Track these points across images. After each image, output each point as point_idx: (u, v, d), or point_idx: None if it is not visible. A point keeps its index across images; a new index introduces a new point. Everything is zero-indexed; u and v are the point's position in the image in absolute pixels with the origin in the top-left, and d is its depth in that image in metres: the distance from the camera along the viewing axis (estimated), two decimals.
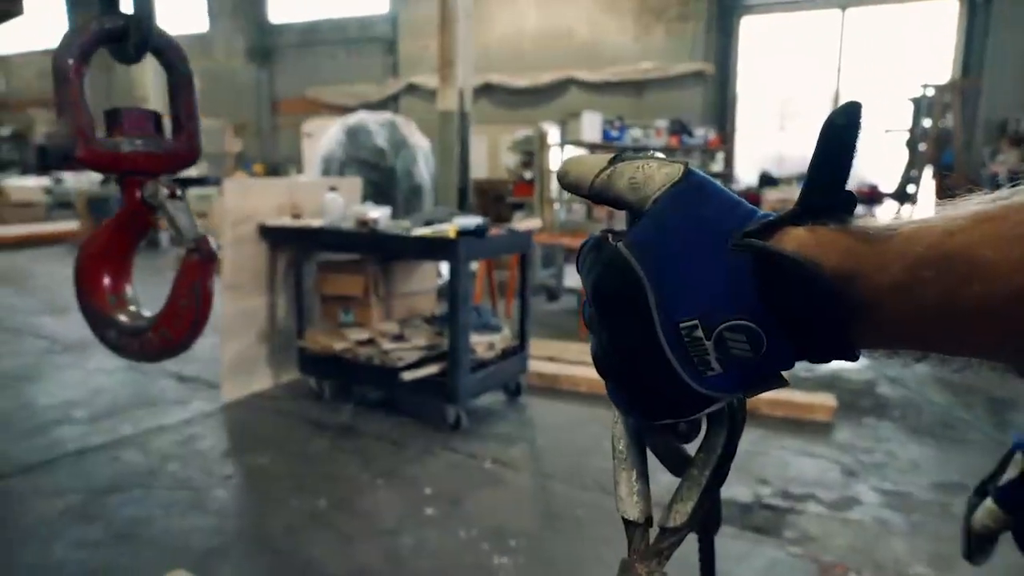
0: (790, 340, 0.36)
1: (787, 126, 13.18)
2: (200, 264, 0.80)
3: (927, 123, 9.14)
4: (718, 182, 0.41)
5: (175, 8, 17.98)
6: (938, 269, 0.32)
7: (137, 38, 0.76)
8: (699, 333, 0.37)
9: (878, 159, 11.67)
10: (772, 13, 12.11)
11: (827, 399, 3.95)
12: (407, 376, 3.57)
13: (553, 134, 7.93)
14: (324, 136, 8.46)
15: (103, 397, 4.11)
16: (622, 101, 12.65)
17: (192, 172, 14.27)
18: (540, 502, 2.99)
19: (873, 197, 10.21)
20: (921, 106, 9.22)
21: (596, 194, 0.44)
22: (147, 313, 0.81)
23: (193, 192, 12.58)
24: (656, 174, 0.41)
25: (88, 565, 2.39)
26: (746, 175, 11.81)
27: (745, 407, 0.48)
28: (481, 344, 3.81)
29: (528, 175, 8.49)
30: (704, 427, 0.47)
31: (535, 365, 4.42)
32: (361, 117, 8.24)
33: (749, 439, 3.58)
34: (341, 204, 3.91)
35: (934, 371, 4.34)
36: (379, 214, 3.80)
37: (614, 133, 7.21)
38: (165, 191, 0.79)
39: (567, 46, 13.56)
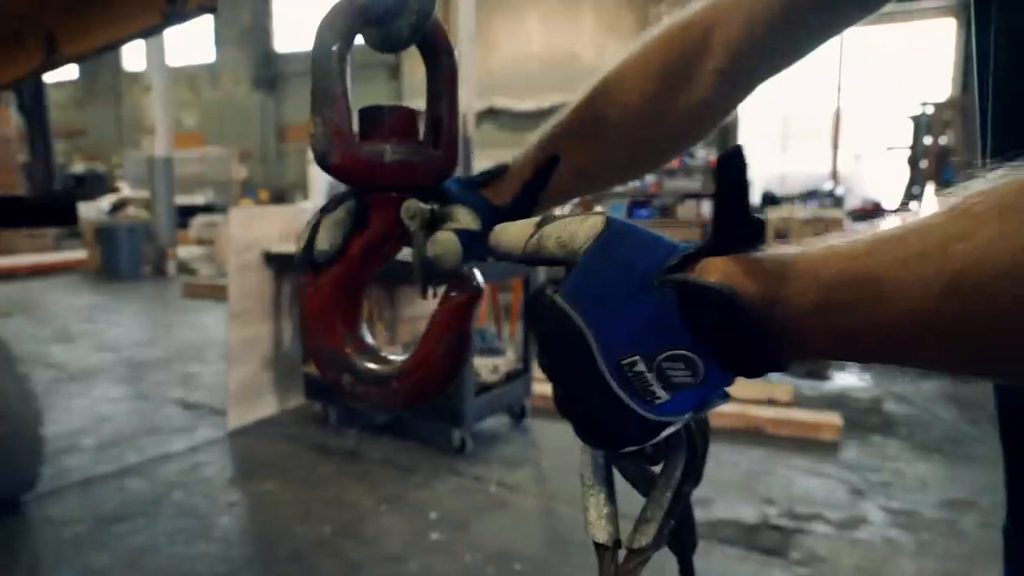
0: (724, 363, 0.39)
1: (789, 145, 13.25)
2: (466, 303, 0.62)
3: (928, 140, 9.19)
4: (640, 225, 0.44)
5: (183, 39, 18.29)
6: (846, 292, 0.35)
7: (415, 15, 0.59)
8: (641, 367, 0.40)
9: (881, 177, 11.71)
10: None
11: (833, 418, 3.94)
12: None
13: None
14: None
15: (110, 425, 4.13)
16: None
17: (198, 199, 14.43)
18: (546, 525, 2.98)
19: (876, 214, 10.24)
20: (922, 124, 9.28)
21: (529, 258, 0.47)
22: (392, 357, 0.67)
23: (199, 220, 12.72)
24: (579, 230, 0.44)
25: None
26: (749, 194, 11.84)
27: (707, 427, 0.50)
28: (485, 367, 3.82)
29: None
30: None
31: (539, 388, 4.41)
32: None
33: (754, 459, 3.57)
34: None
35: (941, 387, 4.32)
36: None
37: None
38: (427, 210, 0.62)
39: (571, 69, 13.71)
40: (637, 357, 0.40)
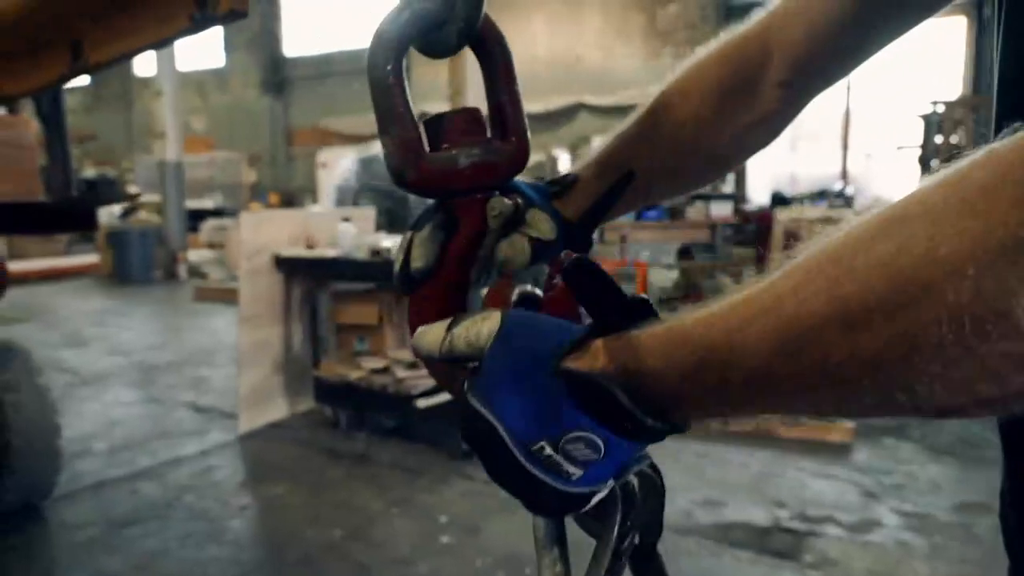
0: (619, 437, 0.42)
1: (799, 146, 13.19)
2: (549, 307, 0.61)
3: (939, 139, 9.12)
4: (541, 316, 0.49)
5: (192, 44, 18.42)
6: (700, 360, 0.39)
7: (463, 22, 0.59)
8: (549, 451, 0.43)
9: (891, 176, 11.64)
10: None
11: (844, 420, 3.91)
12: (422, 404, 3.59)
13: (564, 159, 7.99)
14: (338, 165, 8.58)
15: (121, 429, 4.16)
16: None
17: (208, 203, 14.52)
18: None
19: None
20: (932, 123, 9.21)
21: (446, 359, 0.51)
22: None
23: (209, 224, 12.79)
24: (483, 328, 0.48)
25: None
26: (758, 195, 11.81)
27: (657, 479, 0.54)
28: None
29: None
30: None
31: None
32: (375, 146, 8.36)
33: (764, 461, 3.55)
34: (354, 234, 3.97)
35: None
36: (392, 243, 3.85)
37: None
38: (510, 207, 0.62)
39: (577, 72, 13.72)
40: (543, 443, 0.43)
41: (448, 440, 3.72)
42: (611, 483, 0.47)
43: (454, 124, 0.62)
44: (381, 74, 0.59)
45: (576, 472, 0.43)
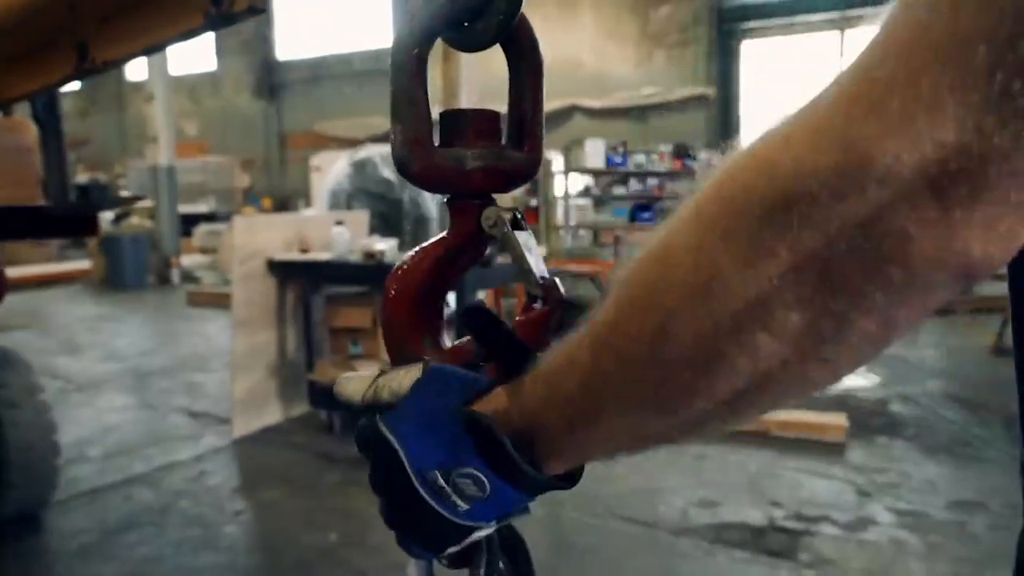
0: (499, 476, 0.46)
1: None
2: (548, 315, 0.59)
3: None
4: (456, 368, 0.52)
5: (184, 48, 18.38)
6: (545, 400, 0.45)
7: (501, 15, 0.57)
8: (441, 481, 0.48)
9: None
10: (771, 37, 12.26)
11: (839, 419, 3.92)
12: None
13: (557, 161, 8.01)
14: (332, 169, 8.57)
15: (116, 435, 4.14)
16: (626, 127, 12.76)
17: (201, 208, 14.48)
18: (551, 530, 2.97)
19: None
20: None
21: (367, 406, 0.56)
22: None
23: (202, 228, 12.76)
24: (405, 380, 0.53)
25: None
26: None
27: (519, 541, 0.61)
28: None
29: (533, 203, 8.57)
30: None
31: None
32: (368, 150, 8.35)
33: (760, 460, 3.56)
34: (348, 238, 3.96)
35: (948, 388, 4.31)
36: (386, 246, 3.85)
37: (617, 159, 7.29)
38: (508, 218, 0.60)
39: (572, 74, 13.73)
40: (437, 472, 0.48)
41: None
42: (491, 525, 0.51)
43: (470, 123, 0.61)
44: (404, 58, 0.57)
45: (462, 506, 0.48)
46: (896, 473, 3.40)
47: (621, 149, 7.31)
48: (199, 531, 2.93)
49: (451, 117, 0.61)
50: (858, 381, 5.00)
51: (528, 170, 0.63)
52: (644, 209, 7.47)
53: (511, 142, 0.62)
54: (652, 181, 7.50)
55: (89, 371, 5.67)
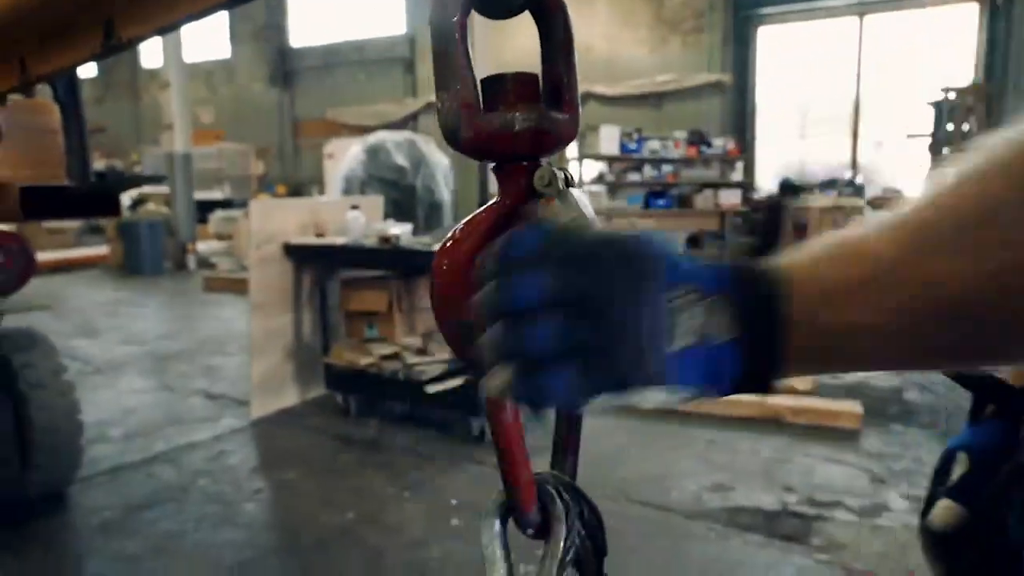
0: (739, 347, 0.44)
1: (808, 134, 13.12)
2: None
3: (950, 127, 9.05)
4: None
5: (198, 35, 18.43)
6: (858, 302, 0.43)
7: None
8: (676, 302, 0.44)
9: (901, 165, 11.57)
10: (789, 23, 12.10)
11: (853, 406, 3.92)
12: (431, 389, 3.61)
13: (571, 148, 8.00)
14: (345, 156, 8.59)
15: (136, 416, 4.21)
16: (641, 114, 12.69)
17: (217, 195, 14.57)
18: None
19: (897, 202, 10.08)
20: (943, 110, 9.14)
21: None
22: None
23: (218, 215, 12.85)
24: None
25: None
26: (767, 183, 11.77)
27: (594, 508, 0.62)
28: None
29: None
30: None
31: None
32: (381, 137, 8.37)
33: (773, 447, 3.56)
34: (363, 222, 3.99)
35: None
36: (400, 231, 3.87)
37: (631, 145, 7.25)
38: (561, 176, 0.61)
39: (585, 60, 13.53)
40: (679, 295, 0.44)
41: (458, 425, 3.75)
42: (672, 389, 0.46)
43: (514, 87, 0.60)
44: (446, 26, 0.58)
45: (679, 343, 0.44)
46: (911, 460, 3.40)
47: (636, 136, 7.28)
48: (219, 508, 2.98)
49: (493, 82, 0.61)
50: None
51: (571, 131, 0.63)
52: (658, 196, 7.44)
53: (550, 104, 0.63)
54: (667, 168, 7.47)
55: (108, 354, 5.75)
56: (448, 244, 0.65)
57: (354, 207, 4.08)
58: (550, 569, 0.57)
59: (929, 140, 9.33)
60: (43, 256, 10.96)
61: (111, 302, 8.36)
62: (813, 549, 2.58)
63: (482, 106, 0.59)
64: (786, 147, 13.08)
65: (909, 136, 10.06)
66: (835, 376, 4.74)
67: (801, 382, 4.28)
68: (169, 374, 5.15)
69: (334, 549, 2.64)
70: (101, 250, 11.51)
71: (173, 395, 4.64)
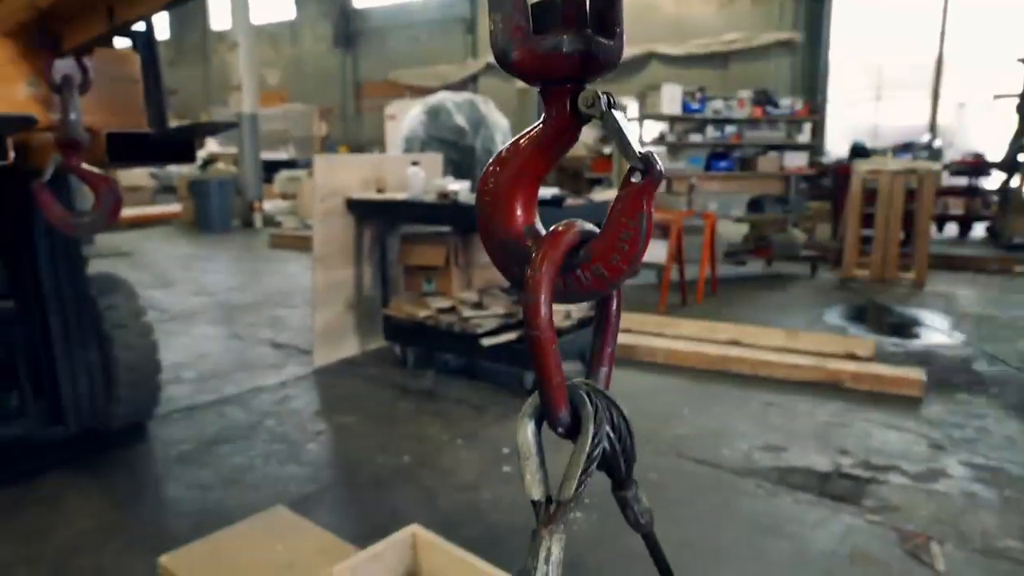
0: None
1: (883, 95, 12.50)
2: (648, 186, 0.63)
3: None
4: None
5: None
6: None
7: None
8: None
9: (986, 127, 10.92)
10: None
11: (915, 373, 3.81)
12: (486, 342, 3.69)
13: (631, 108, 7.85)
14: (406, 117, 8.66)
15: (208, 361, 4.45)
16: (705, 74, 12.32)
17: (282, 155, 14.93)
18: None
19: (979, 168, 9.58)
20: None
21: None
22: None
23: (283, 174, 13.19)
24: None
25: (202, 503, 2.65)
26: (837, 146, 11.30)
27: (621, 411, 0.67)
28: (557, 313, 3.88)
29: (607, 150, 8.47)
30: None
31: None
32: (441, 97, 8.39)
33: (831, 411, 3.52)
34: (423, 178, 4.05)
35: None
36: (459, 187, 3.92)
37: (694, 105, 7.06)
38: (604, 99, 0.63)
39: (651, 20, 13.30)
40: None
41: (511, 379, 3.84)
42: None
43: (562, 11, 0.62)
44: None
45: None
46: (974, 429, 3.30)
47: (699, 95, 7.09)
48: (284, 447, 3.16)
49: (544, 6, 0.63)
50: (942, 338, 4.82)
51: (615, 56, 0.65)
52: (721, 158, 7.26)
53: (596, 31, 0.65)
54: (730, 129, 7.26)
55: (182, 304, 6.06)
56: (495, 165, 0.70)
57: (414, 163, 4.15)
58: (578, 462, 0.62)
59: (1017, 100, 8.76)
60: (124, 212, 11.51)
61: (184, 256, 8.76)
62: (864, 510, 2.56)
63: (532, 29, 0.62)
64: (859, 109, 12.51)
65: (995, 97, 9.47)
66: (901, 344, 4.62)
67: (863, 348, 4.18)
68: (238, 324, 5.40)
69: (389, 487, 2.77)
70: (174, 207, 12.00)
71: (242, 343, 4.87)
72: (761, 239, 7.39)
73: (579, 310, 4.05)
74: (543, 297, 0.63)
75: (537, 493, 0.64)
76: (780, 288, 6.66)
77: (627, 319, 4.90)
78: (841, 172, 8.09)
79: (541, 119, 0.68)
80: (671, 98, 6.91)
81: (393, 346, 4.31)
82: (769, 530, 2.45)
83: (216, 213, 11.07)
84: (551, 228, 0.67)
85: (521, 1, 0.61)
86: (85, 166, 1.71)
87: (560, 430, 0.66)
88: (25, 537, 2.42)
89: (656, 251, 6.22)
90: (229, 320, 5.52)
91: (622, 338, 4.53)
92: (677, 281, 5.99)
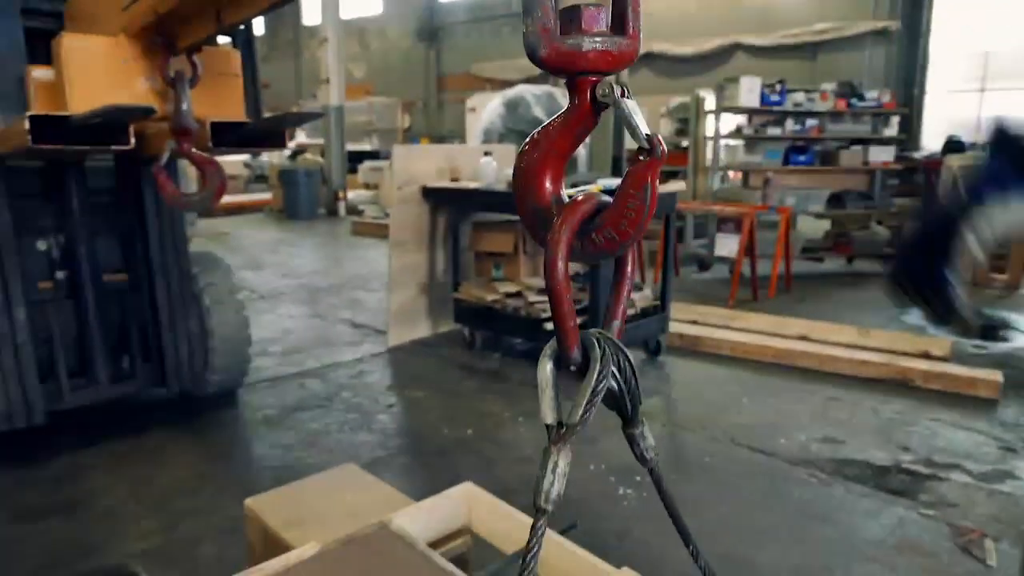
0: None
1: (989, 86, 11.78)
2: (652, 164, 0.75)
3: None
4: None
5: None
6: None
7: None
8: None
9: None
10: None
11: (992, 374, 3.69)
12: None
13: (710, 100, 7.76)
14: (485, 109, 8.86)
15: (292, 337, 4.78)
16: (793, 65, 11.96)
17: (366, 146, 15.47)
18: (670, 448, 3.13)
19: None
20: None
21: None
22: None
23: (366, 165, 13.70)
24: None
25: (283, 461, 2.92)
26: (935, 141, 10.76)
27: (624, 351, 0.77)
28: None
29: (684, 143, 8.39)
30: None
31: (678, 327, 4.50)
32: (520, 90, 8.55)
33: (896, 408, 3.46)
34: (495, 168, 4.22)
35: None
36: None
37: (774, 97, 6.92)
38: (618, 89, 0.75)
39: (735, 8, 13.01)
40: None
41: None
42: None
43: (585, 16, 0.76)
44: None
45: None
46: None
47: (779, 87, 6.94)
48: (357, 416, 3.40)
49: (569, 11, 0.76)
50: None
51: (631, 53, 0.78)
52: (800, 151, 7.09)
53: (615, 31, 0.78)
54: (811, 122, 7.07)
55: (270, 284, 6.48)
56: (527, 147, 0.85)
57: (487, 153, 4.31)
58: (585, 393, 0.74)
59: None
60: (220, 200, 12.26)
61: (273, 241, 9.29)
62: (919, 504, 2.55)
63: (559, 30, 0.75)
64: (961, 100, 11.84)
65: None
66: (983, 346, 4.45)
67: (937, 347, 4.07)
68: (320, 304, 5.75)
69: (453, 456, 2.95)
70: (265, 196, 12.69)
71: (323, 322, 5.19)
72: (842, 236, 7.18)
73: (643, 299, 4.12)
74: (561, 254, 0.77)
75: (550, 418, 0.76)
76: (859, 286, 6.48)
77: (694, 311, 4.93)
78: (932, 167, 7.74)
79: (566, 107, 0.82)
80: (749, 90, 6.81)
81: (462, 329, 4.50)
82: (817, 517, 2.49)
83: (303, 201, 11.65)
84: (572, 198, 0.80)
85: (549, 5, 0.74)
86: (195, 151, 1.95)
87: (572, 368, 0.77)
88: (133, 480, 2.74)
89: (728, 245, 6.17)
90: (312, 301, 5.88)
91: (688, 329, 4.57)
92: (749, 276, 5.94)
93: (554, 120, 0.82)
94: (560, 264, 0.76)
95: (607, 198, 0.80)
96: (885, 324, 4.98)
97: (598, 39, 0.75)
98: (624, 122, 0.76)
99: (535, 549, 0.74)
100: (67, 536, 2.36)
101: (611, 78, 0.77)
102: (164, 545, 2.30)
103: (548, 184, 0.83)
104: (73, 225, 2.89)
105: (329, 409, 3.49)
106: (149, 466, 2.86)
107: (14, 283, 2.69)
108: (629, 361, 0.80)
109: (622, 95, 0.76)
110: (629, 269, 0.86)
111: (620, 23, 0.78)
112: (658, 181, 0.78)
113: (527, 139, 0.86)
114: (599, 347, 0.78)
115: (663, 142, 0.75)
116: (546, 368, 0.78)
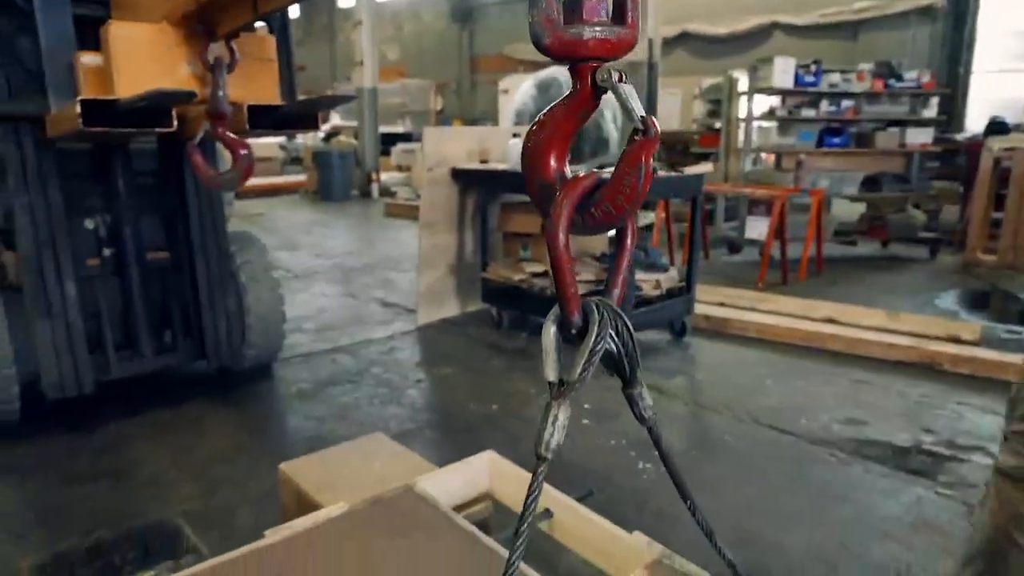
0: None
1: None
2: (646, 144, 0.80)
3: None
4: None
5: None
6: None
7: None
8: None
9: None
10: None
11: (1022, 358, 3.64)
12: None
13: (743, 82, 7.67)
14: (517, 91, 8.86)
15: (325, 315, 4.92)
16: (832, 45, 11.70)
17: (399, 128, 15.59)
18: (691, 427, 3.18)
19: None
20: None
21: None
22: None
23: (399, 147, 13.82)
24: None
25: (315, 431, 3.04)
26: (979, 123, 10.45)
27: (622, 315, 0.82)
28: (647, 282, 4.01)
29: (717, 124, 8.31)
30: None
31: (704, 308, 4.52)
32: (552, 72, 8.49)
33: (923, 391, 3.46)
34: None
35: None
36: None
37: (808, 78, 6.81)
38: (616, 75, 0.81)
39: None
40: None
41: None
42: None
43: (586, 6, 0.81)
44: None
45: None
46: None
47: (814, 68, 6.82)
48: (387, 391, 3.51)
49: (571, 2, 0.82)
50: None
51: (629, 42, 0.84)
52: (835, 133, 6.98)
53: (616, 21, 0.84)
54: (847, 103, 6.95)
55: (304, 264, 6.64)
56: (533, 127, 0.91)
57: (515, 135, 4.36)
58: (584, 353, 0.81)
59: None
60: (256, 181, 12.52)
61: (307, 222, 9.48)
62: (938, 484, 2.57)
63: (562, 20, 0.81)
64: (1007, 81, 11.46)
65: None
66: (1017, 331, 4.38)
67: (968, 331, 4.03)
68: (353, 284, 5.88)
69: (478, 430, 3.05)
70: (300, 178, 12.90)
71: (355, 301, 5.33)
72: (876, 219, 7.07)
73: (668, 280, 4.15)
74: (562, 226, 0.83)
75: (552, 376, 0.82)
76: (893, 270, 6.39)
77: (722, 293, 4.94)
78: (974, 149, 7.55)
79: (569, 91, 0.88)
80: (783, 71, 6.71)
81: (490, 308, 4.59)
82: (834, 495, 2.52)
83: (337, 183, 11.82)
84: (574, 175, 0.87)
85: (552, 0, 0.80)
86: (228, 134, 2.05)
87: (573, 331, 0.83)
88: (175, 449, 2.89)
89: (758, 227, 6.14)
90: (345, 280, 6.02)
91: (715, 311, 4.59)
92: (779, 259, 5.90)
93: (558, 103, 0.87)
94: (561, 235, 0.83)
95: (606, 175, 0.86)
96: (919, 308, 4.93)
97: (598, 28, 0.81)
98: (621, 105, 0.81)
99: (536, 492, 0.81)
100: (112, 500, 2.51)
101: (610, 64, 0.82)
102: (203, 510, 2.44)
103: (553, 162, 0.89)
104: (119, 205, 3.03)
105: (360, 384, 3.61)
106: (190, 435, 3.01)
107: (65, 259, 2.84)
108: (628, 326, 0.86)
109: (620, 80, 0.81)
110: (628, 242, 0.92)
111: (620, 13, 0.83)
112: (652, 160, 0.81)
113: (535, 120, 0.92)
114: (598, 312, 0.84)
115: (656, 124, 0.80)
116: (550, 331, 0.84)
